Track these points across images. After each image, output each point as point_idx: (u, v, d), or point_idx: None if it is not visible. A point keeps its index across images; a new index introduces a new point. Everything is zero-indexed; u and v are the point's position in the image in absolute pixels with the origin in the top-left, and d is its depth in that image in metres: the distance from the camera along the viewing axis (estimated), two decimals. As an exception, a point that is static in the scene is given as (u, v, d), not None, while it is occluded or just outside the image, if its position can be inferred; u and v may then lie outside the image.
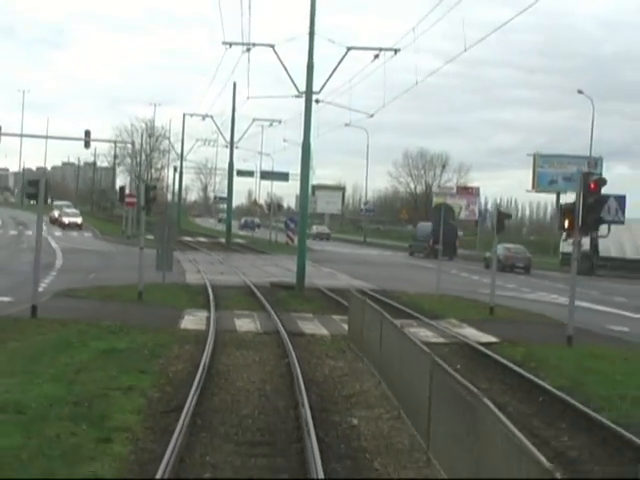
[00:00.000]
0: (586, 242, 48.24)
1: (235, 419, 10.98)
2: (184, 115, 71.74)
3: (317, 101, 30.02)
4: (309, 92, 28.77)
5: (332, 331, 19.24)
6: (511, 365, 15.58)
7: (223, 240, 62.42)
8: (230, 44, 31.68)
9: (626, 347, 18.74)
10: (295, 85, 29.85)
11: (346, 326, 18.77)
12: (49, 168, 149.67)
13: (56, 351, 14.07)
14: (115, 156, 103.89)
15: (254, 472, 8.90)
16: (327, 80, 30.03)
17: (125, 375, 12.72)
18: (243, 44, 31.24)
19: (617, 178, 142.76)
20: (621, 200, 20.51)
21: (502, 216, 23.73)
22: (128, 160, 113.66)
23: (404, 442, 10.05)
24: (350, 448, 9.89)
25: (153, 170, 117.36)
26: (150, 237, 52.36)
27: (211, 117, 62.73)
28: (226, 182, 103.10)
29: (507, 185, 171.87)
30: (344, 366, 14.96)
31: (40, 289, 24.21)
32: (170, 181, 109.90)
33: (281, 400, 12.17)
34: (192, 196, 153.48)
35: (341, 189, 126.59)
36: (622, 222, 23.22)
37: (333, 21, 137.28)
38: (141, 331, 17.07)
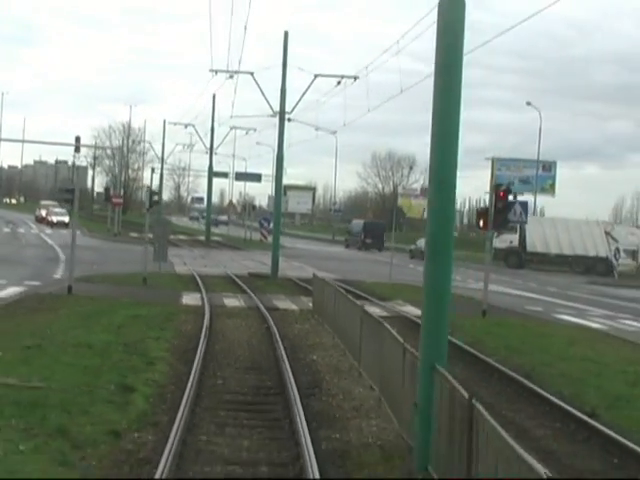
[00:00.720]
0: (515, 239, 54.54)
1: (233, 356, 16.13)
2: (165, 122, 76.10)
3: (289, 120, 35.16)
4: (282, 112, 34.09)
5: (300, 307, 24.49)
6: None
7: (202, 238, 67.35)
8: (216, 71, 36.46)
9: (528, 320, 24.13)
10: (271, 107, 35.39)
11: (311, 304, 24.02)
12: (19, 166, 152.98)
13: (97, 316, 19.17)
14: (95, 157, 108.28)
15: (249, 382, 14.00)
16: (297, 102, 35.72)
17: (151, 330, 17.85)
18: (227, 71, 36.26)
19: (588, 178, 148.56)
20: (524, 205, 25.80)
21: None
22: (106, 161, 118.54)
23: (345, 366, 15.29)
24: (310, 370, 15.08)
25: (130, 171, 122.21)
26: (134, 234, 56.99)
27: (193, 126, 67.51)
28: (198, 182, 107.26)
29: (478, 185, 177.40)
30: (309, 328, 20.19)
31: (58, 276, 29.36)
32: (146, 181, 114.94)
33: (263, 346, 17.36)
34: (165, 195, 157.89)
35: (312, 189, 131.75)
36: (525, 222, 28.63)
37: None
38: (153, 305, 22.18)
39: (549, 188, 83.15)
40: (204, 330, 18.21)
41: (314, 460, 9.10)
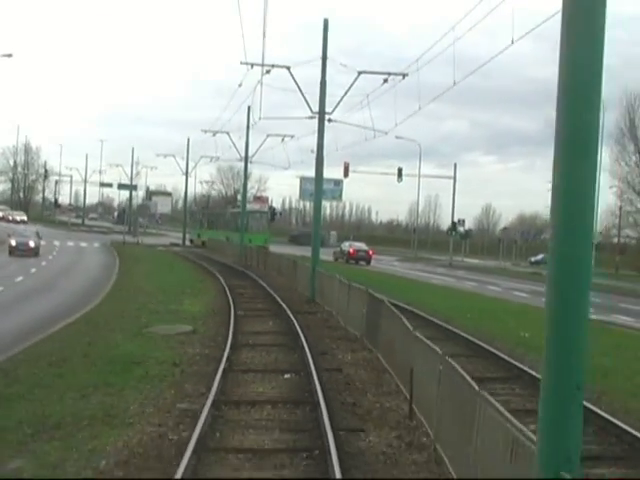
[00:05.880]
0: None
1: (199, 253, 58.57)
2: (86, 157, 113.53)
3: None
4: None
5: (202, 249, 67.20)
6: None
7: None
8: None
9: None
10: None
11: (207, 248, 66.96)
12: None
13: (151, 249, 61.46)
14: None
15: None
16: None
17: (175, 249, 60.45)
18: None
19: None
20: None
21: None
22: (9, 173, 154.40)
23: (223, 255, 58.05)
24: (220, 257, 57.71)
25: (29, 181, 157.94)
26: (83, 227, 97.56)
27: (121, 166, 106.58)
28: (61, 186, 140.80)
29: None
30: (210, 252, 62.99)
31: (102, 241, 70.95)
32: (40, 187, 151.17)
33: (205, 253, 60.00)
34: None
35: (170, 194, 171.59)
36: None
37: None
38: (157, 249, 64.45)
39: (338, 197, 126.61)
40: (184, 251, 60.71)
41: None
